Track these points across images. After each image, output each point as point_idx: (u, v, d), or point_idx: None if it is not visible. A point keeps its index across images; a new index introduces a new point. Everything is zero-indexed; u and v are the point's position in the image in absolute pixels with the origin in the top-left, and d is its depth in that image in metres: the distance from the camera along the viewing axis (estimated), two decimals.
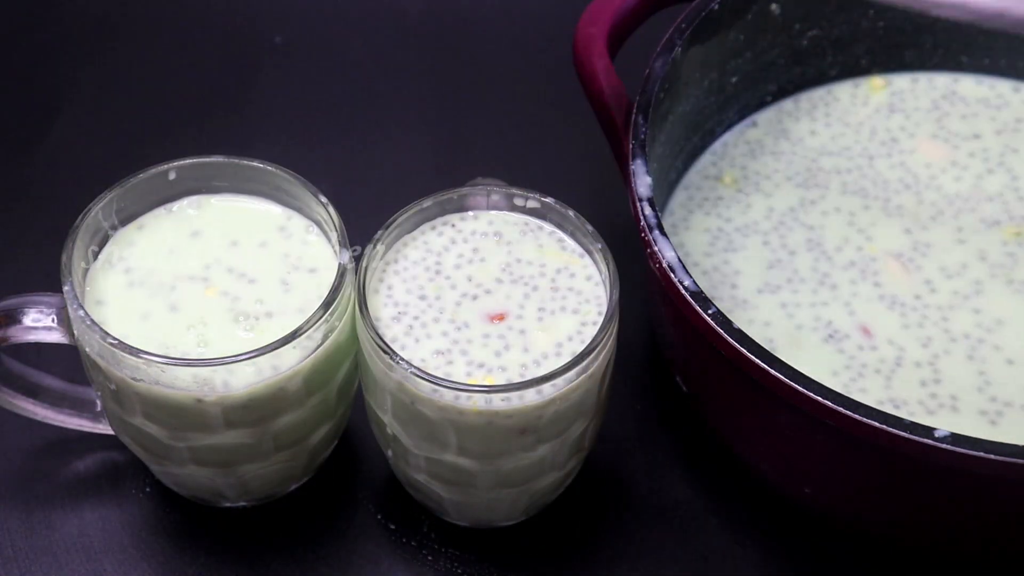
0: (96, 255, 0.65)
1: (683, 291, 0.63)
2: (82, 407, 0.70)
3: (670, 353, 0.71)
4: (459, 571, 0.68)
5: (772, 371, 0.60)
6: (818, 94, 0.80)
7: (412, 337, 0.63)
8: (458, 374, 0.62)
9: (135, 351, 0.60)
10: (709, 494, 0.71)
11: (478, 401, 0.60)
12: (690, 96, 0.75)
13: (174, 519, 0.70)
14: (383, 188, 0.83)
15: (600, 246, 0.64)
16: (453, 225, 0.67)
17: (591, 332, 0.63)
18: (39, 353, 0.69)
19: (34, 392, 0.69)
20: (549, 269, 0.65)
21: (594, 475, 0.71)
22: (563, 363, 0.61)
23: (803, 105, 0.80)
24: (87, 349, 0.63)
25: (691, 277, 0.63)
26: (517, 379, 0.61)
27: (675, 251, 0.64)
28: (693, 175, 0.77)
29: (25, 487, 0.71)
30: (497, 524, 0.70)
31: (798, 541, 0.70)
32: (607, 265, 0.63)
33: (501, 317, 0.63)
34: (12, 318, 0.64)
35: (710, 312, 0.62)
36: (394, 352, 0.61)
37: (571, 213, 0.65)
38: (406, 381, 0.61)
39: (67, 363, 0.70)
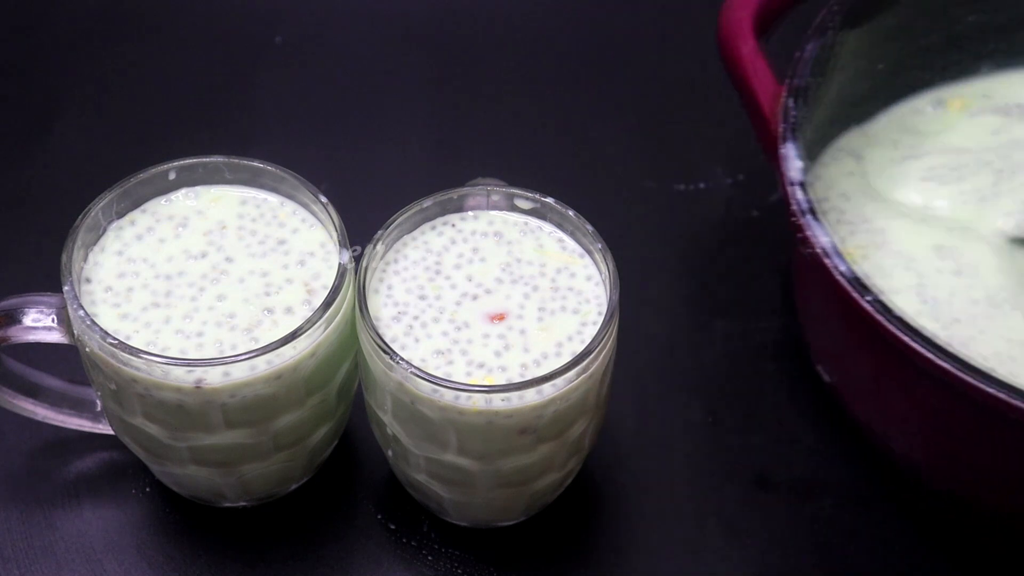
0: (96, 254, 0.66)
1: (839, 277, 0.61)
2: (82, 407, 0.70)
3: (815, 342, 0.69)
4: (459, 571, 0.68)
5: (939, 361, 0.58)
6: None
7: (412, 337, 0.63)
8: (458, 374, 0.62)
9: (135, 351, 0.60)
10: (708, 494, 0.71)
11: (478, 401, 0.60)
12: (838, 82, 0.73)
13: (174, 519, 0.70)
14: (383, 188, 0.83)
15: (600, 246, 0.64)
16: (453, 225, 0.67)
17: (591, 332, 0.63)
18: (39, 353, 0.69)
19: (34, 392, 0.69)
20: (549, 269, 0.65)
21: (594, 475, 0.71)
22: (563, 363, 0.61)
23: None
24: (87, 349, 0.63)
25: (846, 262, 0.62)
26: (517, 379, 0.61)
27: (830, 236, 0.63)
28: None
29: (25, 487, 0.71)
30: (497, 524, 0.70)
31: (797, 541, 0.70)
32: (607, 265, 0.63)
33: (501, 317, 0.63)
34: (12, 318, 0.64)
35: (868, 299, 0.60)
36: (394, 352, 0.61)
37: (571, 213, 0.65)
38: (406, 381, 0.61)
39: (67, 363, 0.70)
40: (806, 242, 0.63)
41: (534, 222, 0.67)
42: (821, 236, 0.63)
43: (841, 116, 0.76)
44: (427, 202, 0.66)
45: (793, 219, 0.64)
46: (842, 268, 0.61)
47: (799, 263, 0.66)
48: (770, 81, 0.70)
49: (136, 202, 0.67)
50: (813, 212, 0.63)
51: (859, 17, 0.72)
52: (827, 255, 0.62)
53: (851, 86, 0.75)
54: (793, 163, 0.66)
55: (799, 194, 0.64)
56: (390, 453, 0.66)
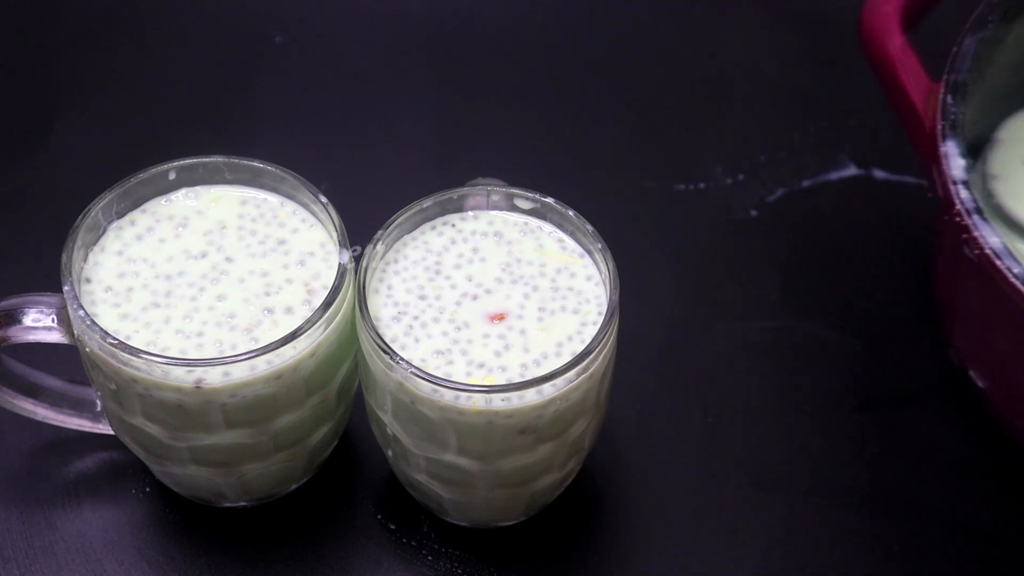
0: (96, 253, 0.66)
1: (1013, 279, 0.59)
2: (82, 407, 0.70)
3: (969, 347, 0.68)
4: (459, 571, 0.68)
5: None
6: None
7: (412, 337, 0.63)
8: (458, 374, 0.62)
9: (135, 351, 0.60)
10: (708, 494, 0.71)
11: (478, 401, 0.60)
12: (990, 76, 0.71)
13: (174, 519, 0.70)
14: (383, 188, 0.83)
15: (600, 246, 0.64)
16: (453, 225, 0.67)
17: (591, 332, 0.63)
18: (39, 353, 0.69)
19: (34, 392, 0.69)
20: (549, 269, 0.65)
21: (594, 475, 0.71)
22: (563, 363, 0.61)
23: None
24: (87, 349, 0.63)
25: (1020, 264, 0.60)
26: (517, 379, 0.61)
27: (999, 236, 0.61)
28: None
29: (25, 487, 0.71)
30: (497, 524, 0.70)
31: (797, 541, 0.70)
32: (607, 265, 0.63)
33: (501, 317, 0.63)
34: (12, 318, 0.64)
35: None
36: (394, 352, 0.61)
37: (571, 213, 0.65)
38: (406, 381, 0.61)
39: (67, 363, 0.70)
40: (973, 243, 0.61)
41: (534, 222, 0.67)
42: (990, 236, 0.61)
43: (991, 112, 0.73)
44: (427, 202, 0.66)
45: (958, 219, 0.62)
46: (1016, 270, 0.60)
47: (955, 265, 0.64)
48: (921, 77, 0.69)
49: (136, 202, 0.67)
50: (980, 211, 0.62)
51: (1019, 10, 0.70)
52: (998, 256, 0.60)
53: (1002, 80, 0.72)
54: (955, 161, 0.64)
55: (963, 193, 0.62)
56: (390, 453, 0.66)
